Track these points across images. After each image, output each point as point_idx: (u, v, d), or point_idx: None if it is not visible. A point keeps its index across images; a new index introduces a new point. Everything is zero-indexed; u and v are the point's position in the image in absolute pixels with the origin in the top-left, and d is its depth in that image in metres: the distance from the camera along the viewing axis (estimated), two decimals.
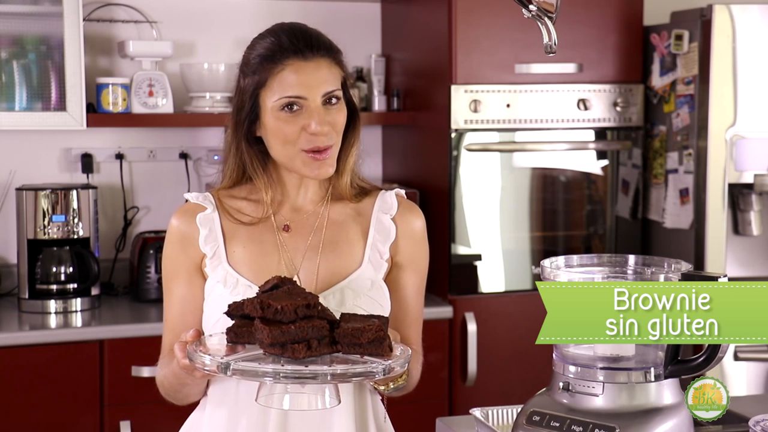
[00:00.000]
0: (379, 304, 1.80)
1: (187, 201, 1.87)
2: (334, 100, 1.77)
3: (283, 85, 1.74)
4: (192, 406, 1.88)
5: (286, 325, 1.54)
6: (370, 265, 1.82)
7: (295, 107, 1.75)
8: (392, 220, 1.85)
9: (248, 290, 1.74)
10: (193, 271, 1.83)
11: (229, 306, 1.63)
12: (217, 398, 1.79)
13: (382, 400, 1.88)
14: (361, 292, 1.79)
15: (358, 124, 1.86)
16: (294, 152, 1.76)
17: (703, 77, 3.33)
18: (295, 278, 1.77)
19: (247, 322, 1.60)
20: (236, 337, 1.60)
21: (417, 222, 1.89)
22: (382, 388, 1.77)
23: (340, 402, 1.63)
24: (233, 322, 1.63)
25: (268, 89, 1.76)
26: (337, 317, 1.64)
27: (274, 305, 1.55)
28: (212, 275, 1.80)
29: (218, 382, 1.78)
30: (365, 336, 1.56)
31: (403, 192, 1.91)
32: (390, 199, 1.87)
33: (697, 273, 1.65)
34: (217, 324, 1.73)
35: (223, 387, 1.78)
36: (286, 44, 1.76)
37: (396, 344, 1.63)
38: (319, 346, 1.56)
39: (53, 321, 3.16)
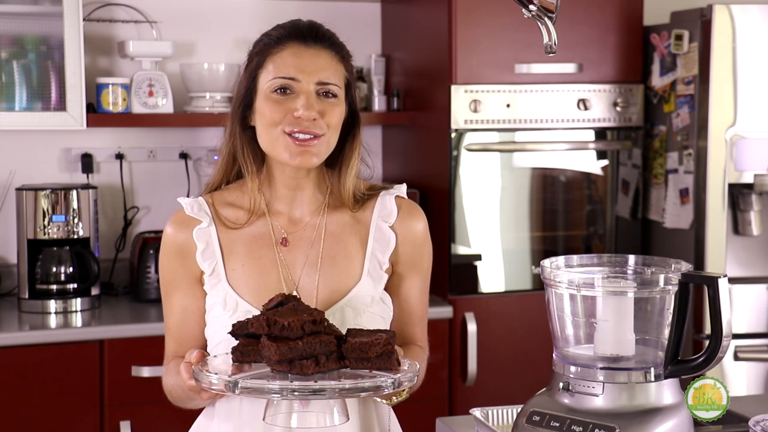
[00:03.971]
0: (381, 317, 1.79)
1: (181, 207, 1.84)
2: (330, 95, 1.75)
3: (279, 65, 1.74)
4: (196, 410, 1.87)
5: (294, 341, 1.53)
6: (370, 278, 1.79)
7: (287, 91, 1.73)
8: (391, 228, 1.82)
9: (248, 315, 1.70)
10: (193, 281, 1.81)
11: (234, 326, 1.61)
12: (223, 413, 1.78)
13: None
14: (361, 309, 1.76)
15: (359, 131, 1.83)
16: (277, 134, 1.73)
17: (703, 77, 3.33)
18: (295, 295, 1.74)
19: (253, 341, 1.58)
20: (242, 356, 1.58)
21: (418, 225, 1.85)
22: (385, 402, 1.77)
23: (348, 419, 1.62)
24: (237, 341, 1.62)
25: (265, 70, 1.76)
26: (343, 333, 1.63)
27: (281, 321, 1.54)
28: (211, 293, 1.79)
29: (226, 398, 1.75)
30: (373, 350, 1.55)
31: (403, 191, 1.86)
32: (390, 205, 1.83)
33: (697, 273, 1.65)
34: (219, 346, 1.72)
35: (229, 403, 1.76)
36: (290, 30, 1.77)
37: (403, 360, 1.62)
38: (327, 361, 1.55)
39: (53, 321, 3.16)
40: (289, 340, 1.53)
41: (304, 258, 1.79)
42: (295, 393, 1.49)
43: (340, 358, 1.57)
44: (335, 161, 1.83)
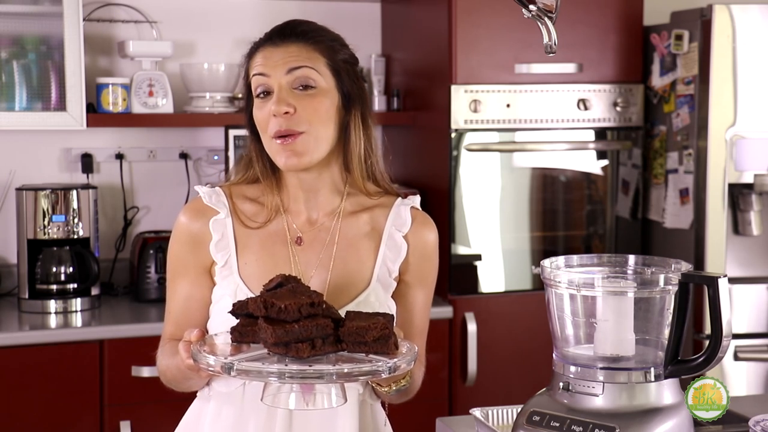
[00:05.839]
0: None
1: (198, 195, 1.83)
2: (309, 87, 1.73)
3: (254, 67, 1.76)
4: (192, 399, 1.87)
5: (290, 324, 1.52)
6: (379, 285, 1.80)
7: (267, 94, 1.74)
8: (404, 238, 1.83)
9: None
10: (201, 271, 1.81)
11: (234, 305, 1.61)
12: (223, 396, 1.78)
13: (383, 406, 1.88)
14: None
15: (356, 114, 1.79)
16: (268, 140, 1.75)
17: (703, 77, 3.33)
18: None
19: (252, 321, 1.58)
20: (240, 337, 1.58)
21: (430, 236, 1.87)
22: (384, 389, 1.77)
23: (346, 401, 1.62)
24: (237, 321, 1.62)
25: (249, 78, 1.78)
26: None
27: (278, 304, 1.54)
28: (221, 284, 1.79)
29: (224, 379, 1.75)
30: (370, 334, 1.55)
31: (418, 202, 1.87)
32: (404, 214, 1.84)
33: (697, 273, 1.65)
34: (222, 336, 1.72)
35: (228, 385, 1.77)
36: (264, 36, 1.78)
37: (402, 342, 1.61)
38: (324, 344, 1.55)
39: (53, 321, 3.16)
40: (286, 323, 1.53)
41: (317, 259, 1.80)
42: (291, 376, 1.49)
43: (337, 342, 1.57)
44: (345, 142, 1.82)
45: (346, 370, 1.50)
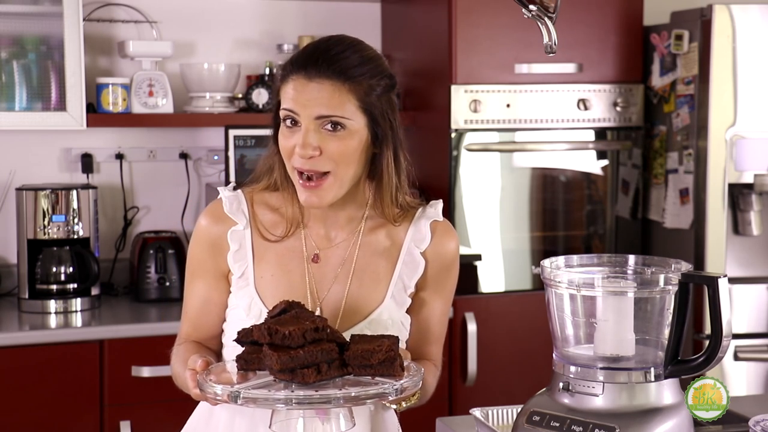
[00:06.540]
0: None
1: (219, 197, 1.82)
2: (338, 127, 1.69)
3: (285, 98, 1.72)
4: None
5: (295, 350, 1.52)
6: (393, 301, 1.79)
7: (295, 123, 1.70)
8: (423, 254, 1.82)
9: None
10: (219, 276, 1.81)
11: (239, 333, 1.61)
12: (232, 407, 1.77)
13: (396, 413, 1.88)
14: (380, 331, 1.75)
15: (387, 153, 1.77)
16: (291, 169, 1.73)
17: (703, 77, 3.33)
18: (318, 311, 1.74)
19: (257, 349, 1.58)
20: (246, 364, 1.58)
21: (450, 245, 1.84)
22: (394, 408, 1.76)
23: (354, 425, 1.61)
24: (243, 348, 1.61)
25: (280, 99, 1.74)
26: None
27: (282, 330, 1.54)
28: (237, 294, 1.79)
29: None
30: (376, 357, 1.55)
31: (440, 212, 1.85)
32: (424, 230, 1.82)
33: (697, 273, 1.65)
34: (237, 348, 1.71)
35: None
36: (299, 59, 1.73)
37: (408, 363, 1.61)
38: (330, 369, 1.55)
39: (53, 321, 3.16)
40: (291, 349, 1.53)
41: (333, 276, 1.79)
42: (298, 402, 1.49)
43: (342, 366, 1.57)
44: (374, 174, 1.79)
45: (353, 394, 1.50)
